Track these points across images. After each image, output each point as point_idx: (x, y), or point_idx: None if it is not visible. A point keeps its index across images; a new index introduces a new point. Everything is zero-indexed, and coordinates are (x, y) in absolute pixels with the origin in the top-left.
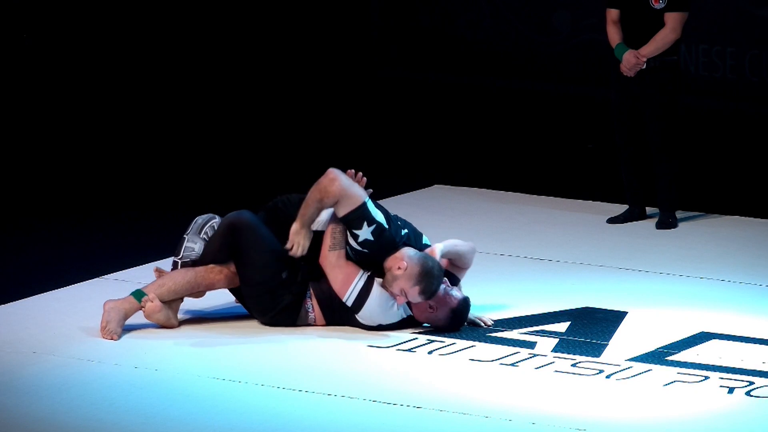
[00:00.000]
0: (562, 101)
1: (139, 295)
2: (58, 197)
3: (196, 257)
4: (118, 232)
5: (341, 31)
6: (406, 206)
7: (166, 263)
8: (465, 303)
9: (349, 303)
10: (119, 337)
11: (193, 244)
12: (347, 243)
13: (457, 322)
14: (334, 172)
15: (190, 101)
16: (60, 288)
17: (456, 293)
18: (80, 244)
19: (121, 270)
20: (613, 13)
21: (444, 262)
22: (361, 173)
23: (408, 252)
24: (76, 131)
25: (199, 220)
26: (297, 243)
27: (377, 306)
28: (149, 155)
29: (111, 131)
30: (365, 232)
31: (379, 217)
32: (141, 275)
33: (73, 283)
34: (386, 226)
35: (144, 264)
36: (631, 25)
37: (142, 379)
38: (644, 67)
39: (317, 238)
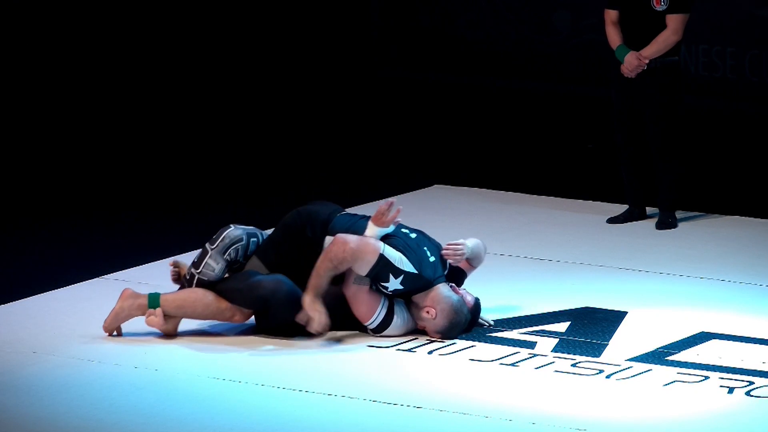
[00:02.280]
0: (562, 101)
1: (154, 301)
2: (58, 197)
3: (215, 279)
4: (118, 232)
5: (341, 31)
6: (406, 206)
7: (144, 270)
8: (476, 305)
9: (372, 327)
10: (113, 335)
11: (215, 264)
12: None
13: (469, 327)
14: (341, 237)
15: (190, 101)
16: (60, 288)
17: (468, 298)
18: (80, 244)
19: (121, 270)
20: (612, 14)
21: (463, 263)
22: (397, 205)
23: (442, 297)
24: (75, 131)
25: (227, 238)
26: (315, 319)
27: (399, 329)
28: (149, 155)
29: (110, 131)
30: (394, 284)
31: (404, 263)
32: (141, 275)
33: (73, 283)
34: (414, 272)
35: (144, 264)
36: (632, 27)
37: (142, 379)
38: (645, 68)
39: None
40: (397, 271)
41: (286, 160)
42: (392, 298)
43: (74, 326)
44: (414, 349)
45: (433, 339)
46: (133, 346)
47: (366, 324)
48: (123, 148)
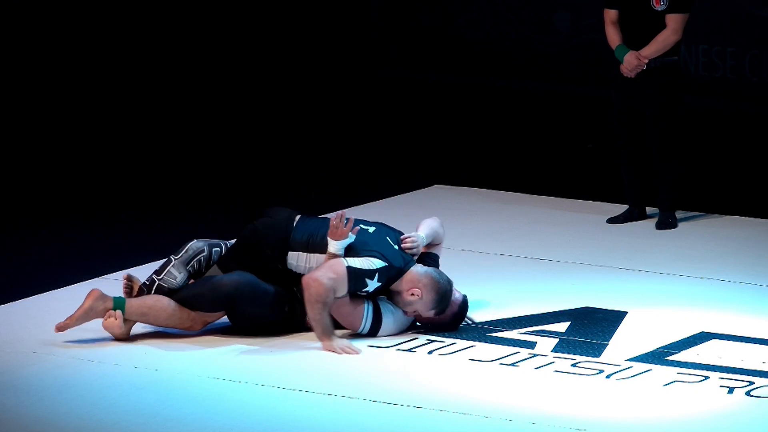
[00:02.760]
0: (562, 101)
1: (119, 305)
2: (57, 197)
3: (176, 287)
4: (118, 232)
5: (341, 31)
6: (405, 206)
7: (144, 270)
8: (464, 303)
9: (365, 332)
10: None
11: (177, 273)
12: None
13: (457, 322)
14: (309, 278)
15: (190, 101)
16: (60, 288)
17: (456, 294)
18: (80, 244)
19: (120, 270)
20: (611, 14)
21: (425, 248)
22: (347, 216)
23: (419, 275)
24: (74, 131)
25: (190, 249)
26: (340, 349)
27: (392, 325)
28: (149, 155)
29: (109, 131)
30: (372, 284)
31: (371, 263)
32: (139, 275)
33: (73, 283)
34: (384, 264)
35: (143, 264)
36: (632, 26)
37: (141, 379)
38: (645, 68)
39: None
40: (370, 273)
41: (286, 160)
42: (375, 298)
43: (74, 326)
44: (414, 349)
45: (433, 339)
46: (132, 346)
47: (358, 331)
48: (122, 148)
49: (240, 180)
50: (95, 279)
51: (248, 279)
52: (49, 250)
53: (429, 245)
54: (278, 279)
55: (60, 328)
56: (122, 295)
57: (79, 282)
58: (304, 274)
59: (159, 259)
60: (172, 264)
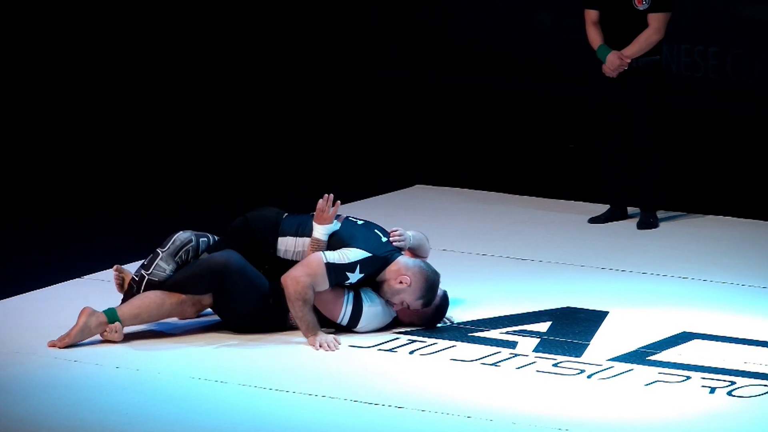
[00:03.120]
0: (543, 101)
1: (112, 316)
2: (40, 198)
3: (165, 279)
4: (101, 233)
5: (341, 31)
6: (387, 206)
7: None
8: (445, 299)
9: (344, 323)
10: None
11: (166, 265)
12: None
13: (437, 319)
14: (288, 276)
15: (188, 101)
16: (42, 288)
17: (438, 292)
18: (63, 244)
19: (102, 270)
20: (592, 14)
21: (406, 253)
22: (333, 198)
23: (407, 264)
24: (66, 130)
25: (177, 240)
26: (325, 344)
27: (373, 317)
28: (136, 155)
29: (104, 130)
30: (354, 276)
31: (353, 254)
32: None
33: (56, 283)
34: (366, 255)
35: (125, 264)
36: (613, 26)
37: (123, 379)
38: (627, 68)
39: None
40: (350, 266)
41: (284, 161)
42: (357, 288)
43: (56, 326)
44: (395, 349)
45: (414, 339)
46: (114, 346)
47: (337, 321)
48: (107, 149)
49: (237, 179)
50: (77, 279)
51: (238, 257)
52: (32, 250)
53: (414, 252)
54: (267, 268)
55: (53, 345)
56: (115, 287)
57: (61, 282)
58: (293, 260)
59: (141, 259)
60: (159, 257)
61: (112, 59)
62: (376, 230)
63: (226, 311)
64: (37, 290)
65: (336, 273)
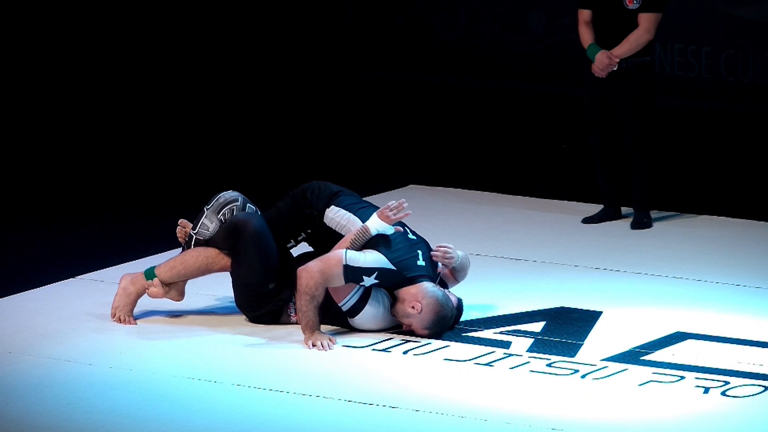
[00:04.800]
0: (537, 101)
1: (150, 275)
2: (32, 198)
3: (210, 237)
4: (93, 233)
5: (318, 30)
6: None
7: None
8: (460, 307)
9: (345, 308)
10: (129, 322)
11: (210, 223)
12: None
13: (440, 334)
14: (304, 267)
15: (169, 103)
16: (35, 288)
17: (453, 299)
18: (56, 244)
19: (96, 270)
20: (585, 14)
21: (447, 271)
22: (407, 209)
23: (426, 291)
24: (58, 131)
25: (221, 198)
26: (318, 344)
27: (372, 317)
28: (126, 156)
29: (92, 131)
30: (369, 281)
31: (377, 261)
32: (116, 275)
33: (49, 284)
34: (391, 268)
35: (119, 264)
36: (605, 26)
37: (117, 379)
38: (616, 68)
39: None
40: (368, 271)
41: (277, 163)
42: (370, 288)
43: (49, 326)
44: (389, 349)
45: (408, 339)
46: (108, 345)
47: (339, 304)
48: (97, 149)
49: (218, 179)
50: (70, 279)
51: (260, 222)
52: (24, 250)
53: (452, 277)
54: (309, 233)
55: (115, 317)
56: (179, 239)
57: (54, 282)
58: (334, 232)
59: (135, 259)
60: (204, 215)
61: (100, 63)
62: (419, 251)
63: (233, 274)
64: (31, 290)
65: (353, 273)
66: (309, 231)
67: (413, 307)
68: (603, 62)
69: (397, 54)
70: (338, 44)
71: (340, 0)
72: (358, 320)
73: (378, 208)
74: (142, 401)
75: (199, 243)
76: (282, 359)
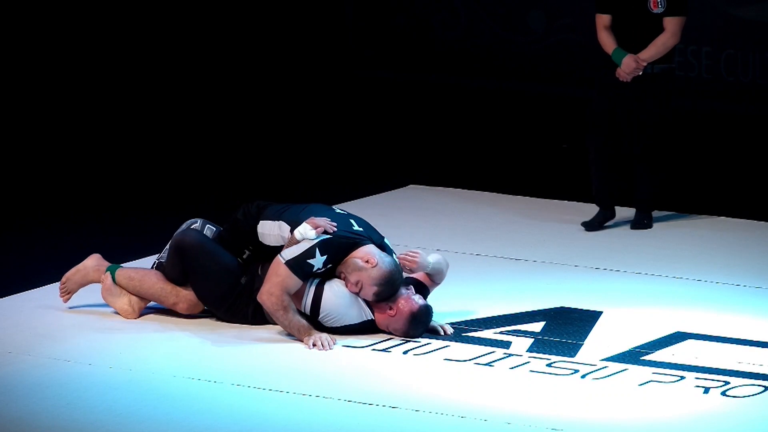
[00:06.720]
0: (537, 101)
1: (113, 271)
2: (32, 198)
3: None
4: (93, 233)
5: (318, 30)
6: (380, 206)
7: (147, 261)
8: (427, 310)
9: (307, 311)
10: (64, 297)
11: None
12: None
13: (415, 328)
14: (259, 296)
15: (170, 103)
16: (35, 288)
17: (418, 299)
18: (56, 244)
19: None
20: (604, 19)
21: (421, 275)
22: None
23: (376, 250)
24: (56, 131)
25: (184, 225)
26: (318, 343)
27: (337, 305)
28: (126, 156)
29: (91, 131)
30: (318, 261)
31: (303, 243)
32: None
33: (48, 284)
34: (323, 237)
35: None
36: (627, 30)
37: (116, 379)
38: (641, 72)
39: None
40: (310, 251)
41: (277, 162)
42: (324, 277)
43: (49, 326)
44: (389, 349)
45: (408, 339)
46: (107, 346)
47: (302, 309)
48: (104, 148)
49: (216, 180)
50: None
51: (195, 234)
52: (24, 250)
53: (431, 280)
54: (251, 250)
55: (63, 286)
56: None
57: (53, 283)
58: (271, 246)
59: (133, 260)
60: (169, 243)
61: (96, 64)
62: (351, 219)
63: (201, 295)
64: (30, 290)
65: (300, 266)
66: (251, 247)
67: (368, 261)
68: (630, 66)
69: (397, 54)
70: (338, 44)
71: (340, 0)
72: (325, 313)
73: (299, 204)
74: (142, 401)
75: (160, 267)
76: (282, 359)
